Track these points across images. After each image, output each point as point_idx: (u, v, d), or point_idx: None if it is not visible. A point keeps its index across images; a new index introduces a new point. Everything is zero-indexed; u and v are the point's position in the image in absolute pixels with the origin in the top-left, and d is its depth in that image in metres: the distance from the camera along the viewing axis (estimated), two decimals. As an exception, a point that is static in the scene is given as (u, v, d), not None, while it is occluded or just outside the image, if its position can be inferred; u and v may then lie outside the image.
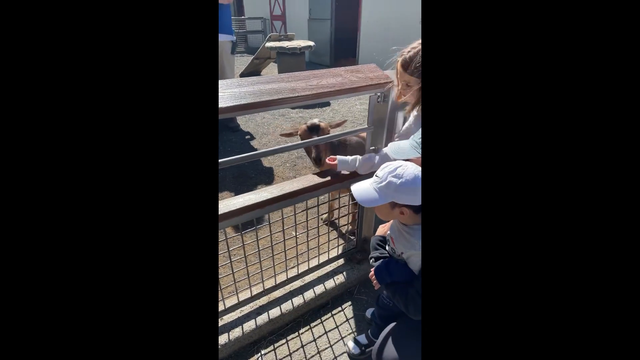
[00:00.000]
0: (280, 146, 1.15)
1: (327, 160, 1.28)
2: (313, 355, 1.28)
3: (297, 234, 1.44)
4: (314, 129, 1.35)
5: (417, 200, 0.81)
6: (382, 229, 1.07)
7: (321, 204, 1.89)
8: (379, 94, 1.26)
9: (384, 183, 0.82)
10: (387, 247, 1.02)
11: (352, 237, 1.79)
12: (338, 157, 1.27)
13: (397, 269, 0.93)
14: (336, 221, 2.02)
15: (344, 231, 1.94)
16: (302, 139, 1.38)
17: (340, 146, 1.62)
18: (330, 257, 1.61)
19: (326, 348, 1.31)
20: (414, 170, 0.81)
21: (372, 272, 0.98)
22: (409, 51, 1.03)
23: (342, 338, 1.35)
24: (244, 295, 1.38)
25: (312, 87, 1.07)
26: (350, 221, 1.93)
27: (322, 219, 2.03)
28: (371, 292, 1.57)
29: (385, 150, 1.23)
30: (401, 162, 0.84)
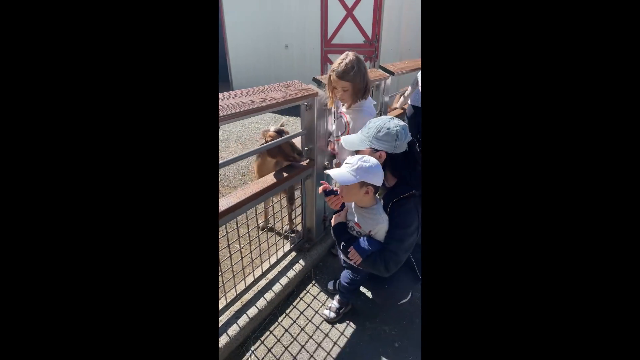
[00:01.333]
0: (262, 145, 1.32)
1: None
2: (299, 333, 1.44)
3: (257, 236, 1.58)
4: (281, 132, 1.62)
5: (379, 181, 1.16)
6: (337, 219, 1.34)
7: (260, 213, 2.06)
8: (306, 103, 1.56)
9: (356, 166, 1.13)
10: (353, 232, 1.30)
11: (292, 235, 2.01)
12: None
13: (371, 242, 1.23)
14: (276, 225, 2.20)
15: (284, 231, 2.14)
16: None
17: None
18: (285, 251, 1.79)
19: (307, 324, 1.49)
20: (374, 159, 1.16)
21: (352, 251, 1.22)
22: (338, 66, 1.44)
23: (316, 312, 1.56)
24: (220, 303, 1.43)
25: (264, 100, 1.29)
26: (287, 222, 2.14)
27: (259, 227, 2.17)
28: (325, 270, 1.82)
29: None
30: (362, 155, 1.18)
